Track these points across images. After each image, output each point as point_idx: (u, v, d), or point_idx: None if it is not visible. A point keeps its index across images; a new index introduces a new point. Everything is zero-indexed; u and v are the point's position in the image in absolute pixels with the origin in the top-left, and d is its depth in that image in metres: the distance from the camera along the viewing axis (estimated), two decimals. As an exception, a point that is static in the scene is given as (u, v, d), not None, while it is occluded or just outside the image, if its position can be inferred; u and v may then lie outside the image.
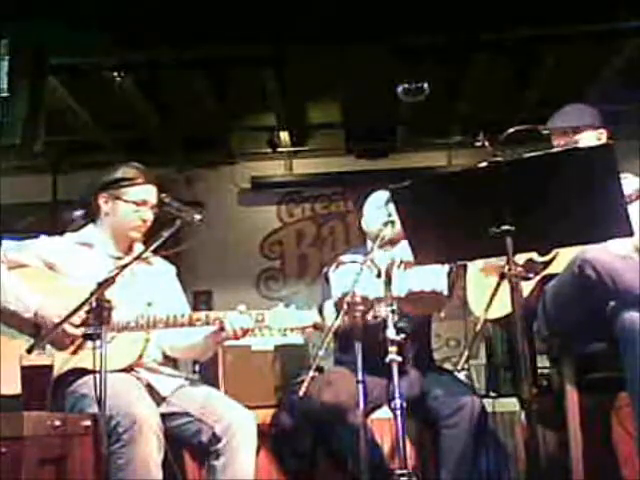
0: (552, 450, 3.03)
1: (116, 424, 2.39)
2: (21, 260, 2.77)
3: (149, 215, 2.85)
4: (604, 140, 3.01)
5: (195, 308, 2.97)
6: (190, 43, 4.57)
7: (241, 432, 2.63)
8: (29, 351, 2.33)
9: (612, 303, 2.59)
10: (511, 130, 3.01)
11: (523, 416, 3.22)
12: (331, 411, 3.01)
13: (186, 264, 5.19)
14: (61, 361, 2.59)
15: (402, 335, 2.70)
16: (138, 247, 2.90)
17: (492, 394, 3.96)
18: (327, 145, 6.76)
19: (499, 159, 2.23)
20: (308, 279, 6.79)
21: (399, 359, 2.67)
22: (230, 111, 5.97)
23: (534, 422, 2.18)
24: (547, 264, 2.95)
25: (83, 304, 2.36)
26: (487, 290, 2.96)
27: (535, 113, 5.45)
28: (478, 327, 3.09)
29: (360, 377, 2.70)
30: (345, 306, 2.69)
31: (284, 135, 6.50)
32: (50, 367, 2.45)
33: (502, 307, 2.79)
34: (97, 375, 2.24)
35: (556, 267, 2.89)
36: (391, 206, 2.82)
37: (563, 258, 2.83)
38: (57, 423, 2.29)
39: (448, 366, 5.00)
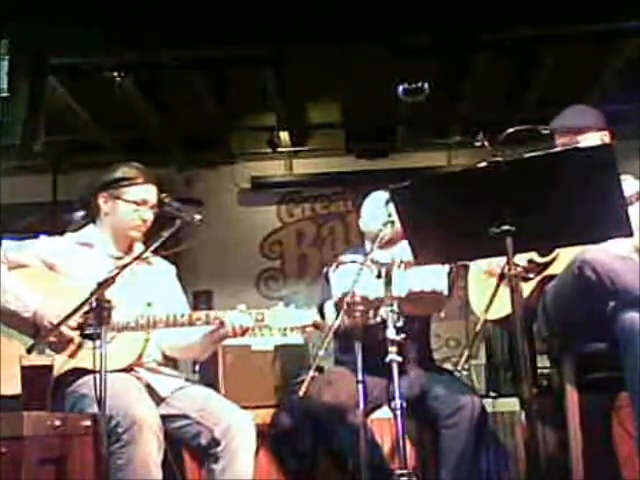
0: (552, 450, 3.03)
1: (116, 424, 2.39)
2: (21, 260, 2.77)
3: (149, 215, 2.85)
4: (606, 140, 3.00)
5: (195, 308, 2.97)
6: (190, 43, 4.58)
7: (240, 435, 2.62)
8: (29, 351, 2.33)
9: (612, 303, 2.59)
10: (511, 130, 3.00)
11: (523, 416, 3.21)
12: (331, 411, 3.01)
13: (186, 264, 5.19)
14: (61, 361, 2.59)
15: (402, 335, 2.70)
16: (138, 247, 2.90)
17: (492, 394, 3.96)
18: (327, 145, 6.76)
19: (499, 159, 2.22)
20: (308, 279, 6.79)
21: (399, 359, 2.67)
22: (230, 111, 5.98)
23: (534, 422, 2.18)
24: (548, 265, 2.95)
25: (83, 304, 2.36)
26: (488, 290, 2.96)
27: (535, 113, 5.46)
28: (478, 327, 3.09)
29: (360, 377, 2.70)
30: (345, 306, 2.69)
31: (284, 135, 6.51)
32: (50, 367, 2.45)
33: (502, 307, 2.79)
34: (97, 375, 2.24)
35: (557, 268, 2.89)
36: (390, 206, 2.82)
37: (564, 259, 2.83)
38: (57, 423, 2.29)
39: (448, 366, 5.00)
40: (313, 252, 6.99)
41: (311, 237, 7.04)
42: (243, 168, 6.97)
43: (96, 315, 2.34)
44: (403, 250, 2.83)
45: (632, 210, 2.31)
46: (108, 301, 2.36)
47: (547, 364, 3.38)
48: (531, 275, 2.97)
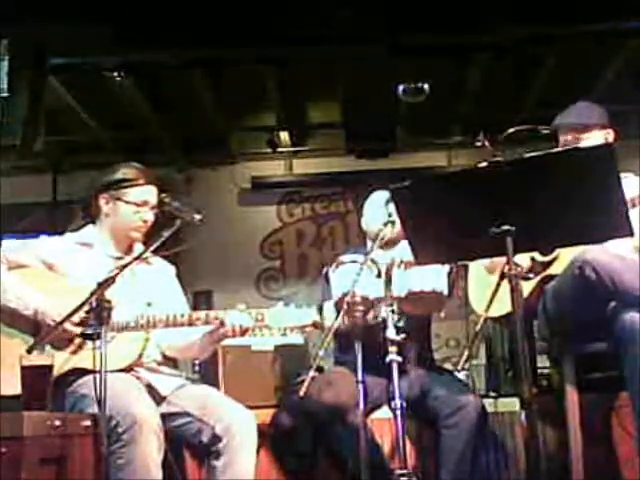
0: (552, 450, 3.03)
1: (116, 424, 2.39)
2: (21, 260, 2.77)
3: (149, 216, 2.84)
4: (610, 140, 3.00)
5: (195, 308, 2.97)
6: (190, 43, 4.58)
7: (241, 432, 2.62)
8: (29, 351, 2.33)
9: (612, 303, 2.59)
10: (511, 130, 3.01)
11: (523, 416, 3.21)
12: (331, 411, 3.01)
13: (186, 264, 5.19)
14: (61, 361, 2.59)
15: (402, 335, 2.70)
16: (138, 247, 2.90)
17: (492, 394, 3.95)
18: (327, 145, 6.77)
19: (499, 159, 2.22)
20: (308, 279, 6.79)
21: (399, 359, 2.67)
22: (230, 111, 5.98)
23: (534, 422, 2.18)
24: (548, 264, 2.95)
25: (83, 304, 2.36)
26: (488, 288, 2.96)
27: (535, 113, 5.47)
28: (478, 327, 3.09)
29: (360, 377, 2.70)
30: (345, 306, 2.69)
31: (284, 135, 6.51)
32: (50, 367, 2.45)
33: (503, 306, 2.79)
34: (97, 375, 2.24)
35: (557, 268, 2.89)
36: (391, 206, 2.82)
37: (564, 259, 2.83)
38: (57, 423, 2.29)
39: (448, 366, 4.99)
40: (313, 252, 6.99)
41: (311, 237, 7.05)
42: (243, 168, 6.97)
43: (96, 315, 2.34)
44: (403, 250, 2.83)
45: (633, 212, 2.31)
46: (108, 301, 2.36)
47: (547, 364, 3.38)
48: (531, 275, 2.97)
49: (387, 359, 2.67)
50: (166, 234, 2.57)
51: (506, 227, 2.15)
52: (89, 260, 2.80)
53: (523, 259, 2.94)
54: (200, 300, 6.41)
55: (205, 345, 2.83)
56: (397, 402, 2.63)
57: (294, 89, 5.53)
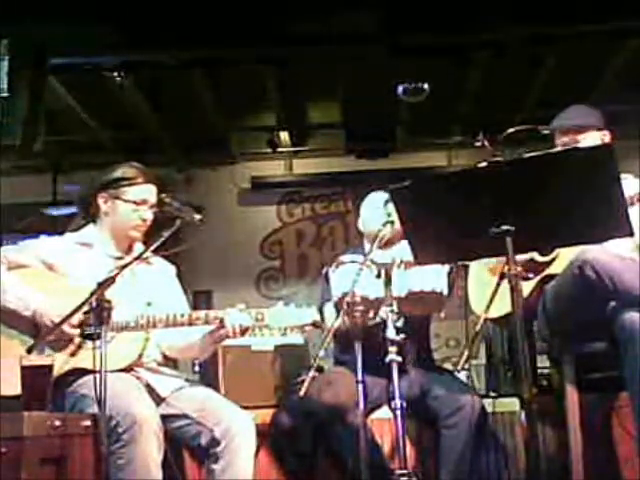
0: (552, 450, 3.03)
1: (116, 424, 2.39)
2: (21, 260, 2.77)
3: (149, 215, 2.84)
4: (607, 140, 3.00)
5: (195, 308, 2.97)
6: (190, 43, 4.58)
7: (240, 435, 2.62)
8: (29, 351, 2.33)
9: (612, 303, 2.59)
10: (511, 130, 3.01)
11: (523, 416, 3.21)
12: (331, 411, 3.01)
13: (186, 264, 5.18)
14: (61, 361, 2.59)
15: (402, 335, 2.70)
16: (138, 247, 2.90)
17: (492, 394, 3.95)
18: (327, 145, 6.77)
19: (499, 159, 2.23)
20: (308, 279, 6.79)
21: (399, 359, 2.67)
22: (230, 111, 5.98)
23: (534, 422, 2.18)
24: (548, 264, 2.95)
25: (83, 304, 2.36)
26: (488, 288, 2.96)
27: (535, 113, 5.47)
28: (478, 327, 3.09)
29: (360, 377, 2.70)
30: (345, 306, 2.69)
31: (284, 135, 6.51)
32: (50, 367, 2.45)
33: (502, 306, 2.79)
34: (97, 375, 2.24)
35: (557, 267, 2.89)
36: (390, 206, 2.82)
37: (564, 258, 2.83)
38: (57, 423, 2.29)
39: (448, 366, 5.00)
40: (313, 252, 6.99)
41: (311, 237, 7.05)
42: (243, 168, 6.97)
43: (96, 315, 2.34)
44: (403, 250, 2.83)
45: (632, 210, 2.31)
46: (108, 301, 2.36)
47: (547, 364, 3.37)
48: (531, 275, 2.97)
49: (387, 359, 2.67)
50: (166, 234, 2.57)
51: (506, 227, 2.15)
52: (89, 260, 2.80)
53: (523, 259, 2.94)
54: (200, 300, 6.41)
55: (205, 345, 2.83)
56: (397, 402, 2.63)
57: (294, 89, 5.53)
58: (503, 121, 3.35)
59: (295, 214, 7.08)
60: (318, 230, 7.05)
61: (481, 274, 3.17)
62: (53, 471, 2.26)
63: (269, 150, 6.61)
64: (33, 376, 2.39)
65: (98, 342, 2.29)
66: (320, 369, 3.28)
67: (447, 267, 3.18)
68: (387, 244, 3.11)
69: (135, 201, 2.82)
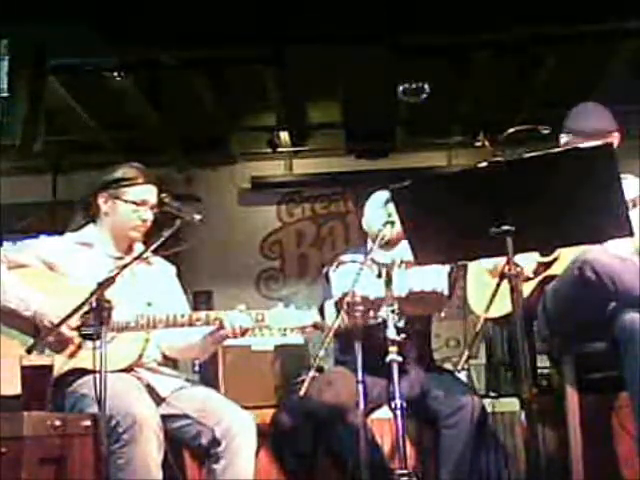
0: (552, 450, 3.03)
1: (116, 424, 2.39)
2: (21, 260, 2.77)
3: (149, 215, 2.85)
4: (616, 142, 2.98)
5: (195, 308, 2.97)
6: (190, 43, 4.57)
7: (241, 434, 2.62)
8: (29, 351, 2.33)
9: (612, 304, 2.59)
10: (511, 130, 3.01)
11: (523, 416, 3.21)
12: (331, 411, 3.02)
13: (186, 264, 5.19)
14: (61, 361, 2.59)
15: (402, 335, 2.70)
16: (138, 247, 2.90)
17: (492, 394, 3.96)
18: (327, 145, 6.76)
19: (499, 159, 2.22)
20: (308, 279, 6.79)
21: (399, 359, 2.67)
22: (230, 111, 5.98)
23: (534, 422, 2.18)
24: (548, 265, 2.95)
25: (83, 304, 2.36)
26: (487, 289, 2.96)
27: (535, 113, 5.46)
28: (478, 327, 3.09)
29: (360, 377, 2.70)
30: (345, 306, 2.69)
31: (284, 135, 6.50)
32: (50, 367, 2.45)
33: (503, 306, 2.79)
34: (97, 375, 2.24)
35: (557, 268, 2.89)
36: (391, 206, 2.82)
37: (564, 259, 2.83)
38: (57, 423, 2.29)
39: (448, 366, 4.98)
40: (313, 252, 6.99)
41: (311, 237, 7.04)
42: (243, 168, 6.97)
43: (96, 315, 2.34)
44: (403, 250, 2.83)
45: (633, 213, 2.31)
46: (108, 301, 2.36)
47: (547, 364, 3.37)
48: (531, 275, 2.97)
49: (387, 359, 2.67)
50: (166, 234, 2.57)
51: (506, 227, 2.15)
52: (89, 260, 2.81)
53: (528, 262, 2.93)
54: (200, 300, 6.41)
55: (206, 346, 2.83)
56: (397, 402, 2.63)
57: (294, 89, 5.53)
58: (503, 121, 3.35)
59: (295, 214, 7.07)
60: (318, 230, 7.05)
61: (480, 275, 3.17)
62: (53, 471, 2.26)
63: (269, 150, 6.60)
64: (33, 376, 2.39)
65: (98, 342, 2.29)
66: (320, 369, 3.28)
67: (447, 267, 3.19)
68: (388, 244, 3.11)
69: (135, 201, 2.82)
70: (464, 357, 4.23)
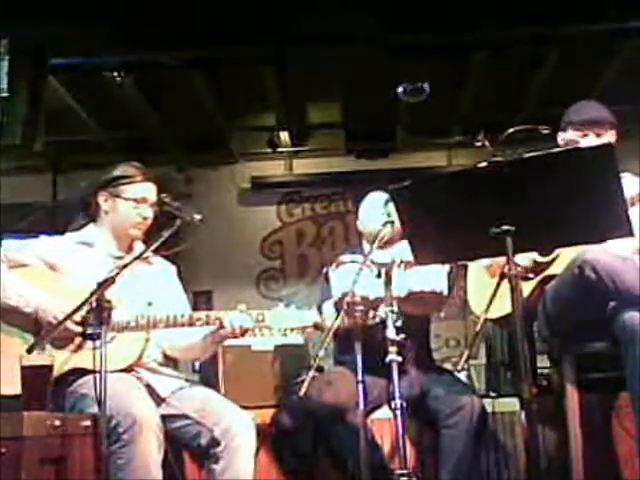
0: (552, 450, 3.03)
1: (116, 424, 2.39)
2: (21, 260, 2.77)
3: (149, 212, 2.85)
4: (613, 140, 2.99)
5: (195, 308, 2.97)
6: (190, 43, 4.57)
7: (240, 435, 2.62)
8: (29, 351, 2.33)
9: (612, 303, 2.59)
10: (511, 130, 3.01)
11: (523, 416, 3.21)
12: (331, 411, 3.02)
13: (186, 264, 5.18)
14: (61, 361, 2.59)
15: (402, 335, 2.70)
16: (138, 246, 2.90)
17: (492, 394, 3.95)
18: (327, 145, 6.75)
19: (499, 159, 2.22)
20: (308, 279, 6.79)
21: (399, 359, 2.67)
22: (230, 111, 5.97)
23: (534, 422, 2.18)
24: (548, 265, 2.95)
25: (83, 304, 2.36)
26: (487, 289, 2.96)
27: (535, 113, 5.46)
28: (478, 327, 3.09)
29: (360, 377, 2.70)
30: (345, 306, 2.69)
31: (284, 135, 6.50)
32: (50, 367, 2.45)
33: (503, 306, 2.79)
34: (97, 375, 2.24)
35: (557, 268, 2.89)
36: (390, 206, 2.82)
37: (564, 259, 2.83)
38: (57, 423, 2.29)
39: (448, 366, 4.99)
40: (313, 252, 6.99)
41: (311, 237, 7.04)
42: (243, 168, 6.97)
43: (96, 315, 2.34)
44: (403, 250, 2.83)
45: (633, 211, 2.31)
46: (108, 301, 2.36)
47: (547, 364, 3.37)
48: (531, 275, 2.97)
49: (387, 359, 2.67)
50: (166, 234, 2.57)
51: (506, 227, 2.15)
52: (90, 259, 2.81)
53: (524, 260, 2.94)
54: (200, 300, 6.41)
55: (206, 346, 2.83)
56: (397, 402, 2.63)
57: (294, 89, 5.53)
58: (503, 121, 3.34)
59: (295, 214, 7.07)
60: (318, 230, 7.05)
61: (481, 275, 3.17)
62: (53, 471, 2.26)
63: (269, 150, 6.60)
64: (33, 376, 2.39)
65: (98, 342, 2.29)
66: (320, 369, 3.28)
67: (447, 267, 3.19)
68: (387, 244, 3.11)
69: (135, 199, 2.83)
70: (464, 357, 4.23)
